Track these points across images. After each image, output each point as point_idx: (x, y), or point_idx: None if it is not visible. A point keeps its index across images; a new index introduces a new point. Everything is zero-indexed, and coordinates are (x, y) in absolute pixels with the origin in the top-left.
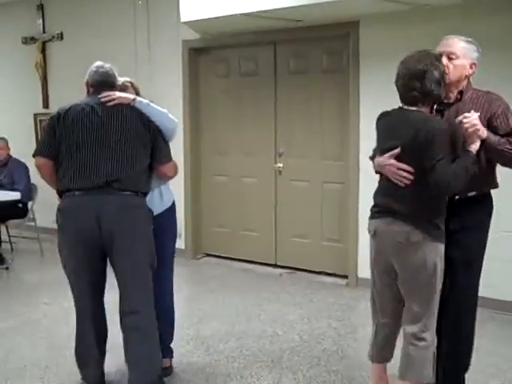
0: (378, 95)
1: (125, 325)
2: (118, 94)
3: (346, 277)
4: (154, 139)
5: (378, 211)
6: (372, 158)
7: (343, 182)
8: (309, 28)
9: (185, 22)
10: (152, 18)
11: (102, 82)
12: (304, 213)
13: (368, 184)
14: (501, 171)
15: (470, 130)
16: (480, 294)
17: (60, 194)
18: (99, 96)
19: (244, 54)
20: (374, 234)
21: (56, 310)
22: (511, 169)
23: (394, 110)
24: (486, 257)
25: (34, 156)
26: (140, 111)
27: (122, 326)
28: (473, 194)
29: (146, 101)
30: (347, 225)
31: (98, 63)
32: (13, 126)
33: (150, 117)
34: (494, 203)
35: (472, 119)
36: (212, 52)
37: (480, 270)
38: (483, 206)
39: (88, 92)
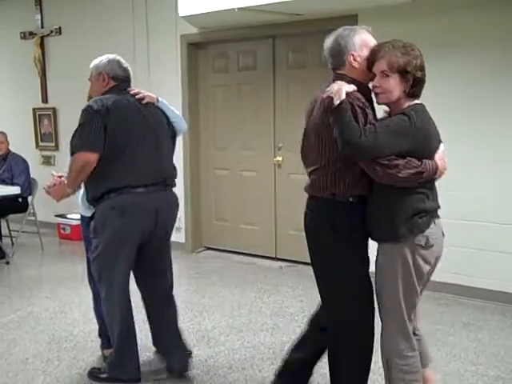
0: None
1: (163, 308)
2: (144, 91)
3: None
4: (173, 139)
5: (432, 216)
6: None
7: None
8: (307, 22)
9: (183, 17)
10: (150, 13)
11: (127, 78)
12: (303, 206)
13: None
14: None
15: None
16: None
17: (107, 191)
18: (131, 92)
19: (242, 49)
20: (435, 243)
21: (57, 303)
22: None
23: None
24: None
25: (81, 151)
26: (163, 111)
27: (160, 310)
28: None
29: (165, 101)
30: None
31: (113, 56)
32: (12, 121)
33: (170, 118)
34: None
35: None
36: (210, 46)
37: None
38: None
39: (106, 84)
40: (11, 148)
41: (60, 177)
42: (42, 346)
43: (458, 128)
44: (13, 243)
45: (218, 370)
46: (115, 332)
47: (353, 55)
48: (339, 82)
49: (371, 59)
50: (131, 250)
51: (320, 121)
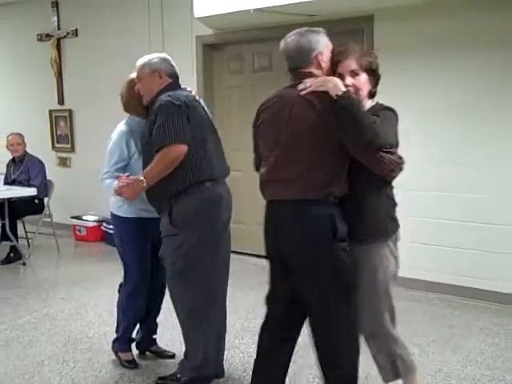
0: (392, 91)
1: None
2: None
3: None
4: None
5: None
6: None
7: None
8: (322, 23)
9: (198, 18)
10: (166, 15)
11: (178, 76)
12: None
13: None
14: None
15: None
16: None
17: (195, 183)
18: (188, 89)
19: (258, 50)
20: None
21: (72, 305)
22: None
23: None
24: None
25: (174, 143)
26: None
27: None
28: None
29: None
30: None
31: (162, 54)
32: (28, 123)
33: None
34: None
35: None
36: (226, 48)
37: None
38: None
39: (163, 81)
40: (28, 150)
41: (128, 176)
42: (58, 348)
43: (479, 126)
44: (29, 244)
45: (233, 373)
46: (209, 333)
47: (321, 54)
48: (312, 79)
49: (336, 60)
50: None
51: (312, 115)
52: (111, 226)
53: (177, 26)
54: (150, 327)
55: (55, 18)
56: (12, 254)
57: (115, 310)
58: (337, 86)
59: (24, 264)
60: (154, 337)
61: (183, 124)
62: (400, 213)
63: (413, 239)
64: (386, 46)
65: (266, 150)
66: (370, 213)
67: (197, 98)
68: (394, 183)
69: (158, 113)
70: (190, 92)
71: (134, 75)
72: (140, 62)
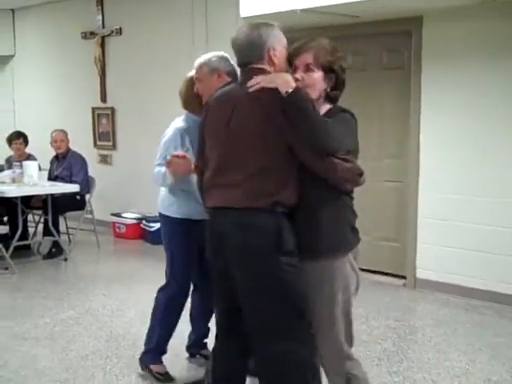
0: (440, 94)
1: None
2: None
3: (403, 277)
4: None
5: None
6: None
7: (402, 181)
8: (368, 24)
9: (244, 18)
10: (210, 14)
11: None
12: (360, 211)
13: (427, 182)
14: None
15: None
16: None
17: None
18: None
19: None
20: None
21: (113, 301)
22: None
23: None
24: None
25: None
26: None
27: None
28: None
29: None
30: (405, 224)
31: (220, 53)
32: (71, 119)
33: None
34: None
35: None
36: None
37: None
38: None
39: (222, 80)
40: (70, 146)
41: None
42: (101, 343)
43: None
44: (70, 240)
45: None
46: None
47: (273, 49)
48: (262, 76)
49: (295, 52)
50: None
51: (257, 114)
52: (151, 225)
53: (221, 26)
54: (202, 331)
55: (100, 17)
56: (54, 250)
57: None
58: (287, 82)
59: (66, 259)
60: (205, 341)
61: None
62: (449, 219)
63: (458, 245)
64: (436, 48)
65: (209, 151)
66: (327, 225)
67: None
68: (445, 188)
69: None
70: None
71: (192, 73)
72: (198, 61)
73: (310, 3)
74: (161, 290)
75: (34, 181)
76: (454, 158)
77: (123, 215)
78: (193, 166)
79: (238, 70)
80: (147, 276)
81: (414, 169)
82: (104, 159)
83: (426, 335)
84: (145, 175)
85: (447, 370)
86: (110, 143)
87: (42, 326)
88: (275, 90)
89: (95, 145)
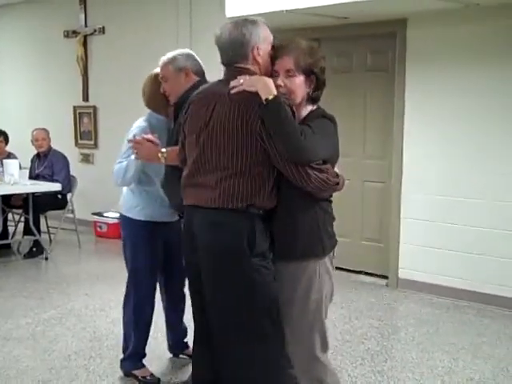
0: (424, 95)
1: None
2: None
3: (385, 277)
4: None
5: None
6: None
7: (384, 181)
8: (353, 26)
9: (230, 18)
10: (195, 15)
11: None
12: (344, 212)
13: (410, 183)
14: None
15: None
16: None
17: None
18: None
19: None
20: None
21: (96, 301)
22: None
23: None
24: None
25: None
26: None
27: None
28: None
29: None
30: (388, 224)
31: (186, 50)
32: (52, 118)
33: None
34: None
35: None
36: None
37: None
38: None
39: (189, 80)
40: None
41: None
42: (84, 343)
43: None
44: (50, 240)
45: None
46: None
47: (258, 48)
48: (246, 76)
49: (274, 55)
50: None
51: (236, 116)
52: None
53: (206, 25)
54: (179, 332)
55: (82, 15)
56: (35, 249)
57: None
58: (268, 87)
59: (46, 259)
60: (185, 340)
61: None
62: (431, 220)
63: (441, 246)
64: (419, 50)
65: (188, 150)
66: (302, 228)
67: None
68: (428, 189)
69: None
70: None
71: (157, 71)
72: (163, 59)
73: (296, 4)
74: (125, 304)
75: (15, 179)
76: (438, 158)
77: (105, 214)
78: (159, 155)
79: (223, 68)
80: None
81: (398, 169)
82: (85, 158)
83: (408, 335)
84: None
85: (430, 369)
86: (92, 142)
87: (23, 326)
88: (255, 95)
89: (76, 144)
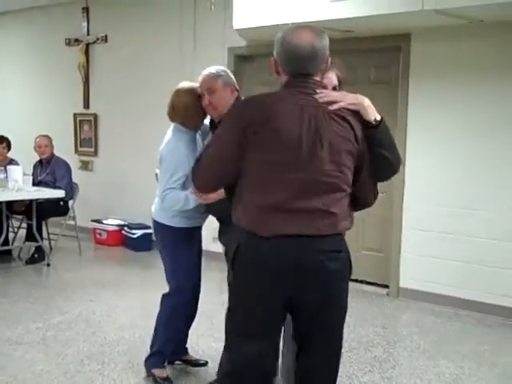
0: (426, 109)
1: None
2: None
3: (386, 286)
4: None
5: None
6: None
7: (386, 192)
8: (358, 39)
9: (238, 30)
10: (198, 24)
11: None
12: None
13: (412, 194)
14: None
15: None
16: None
17: None
18: None
19: None
20: None
21: (103, 307)
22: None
23: None
24: None
25: None
26: None
27: None
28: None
29: None
30: (389, 234)
31: (225, 68)
32: (53, 125)
33: None
34: None
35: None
36: (257, 59)
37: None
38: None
39: (234, 95)
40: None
41: None
42: (96, 348)
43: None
44: (51, 246)
45: None
46: None
47: (327, 61)
48: (330, 91)
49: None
50: None
51: (348, 138)
52: (134, 231)
53: (209, 37)
54: (184, 337)
55: (85, 24)
56: (36, 255)
57: (146, 313)
58: (372, 107)
59: (48, 265)
60: (186, 346)
61: None
62: (432, 230)
63: (441, 256)
64: (423, 65)
65: (273, 169)
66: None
67: None
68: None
69: None
70: None
71: (190, 85)
72: (211, 72)
73: (303, 17)
74: (166, 296)
75: (19, 186)
76: (439, 170)
77: (105, 222)
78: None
79: (290, 78)
80: (134, 283)
81: (400, 180)
82: (85, 165)
83: (414, 342)
84: (126, 182)
85: (438, 376)
86: (92, 149)
87: (34, 330)
88: (357, 114)
89: (76, 151)
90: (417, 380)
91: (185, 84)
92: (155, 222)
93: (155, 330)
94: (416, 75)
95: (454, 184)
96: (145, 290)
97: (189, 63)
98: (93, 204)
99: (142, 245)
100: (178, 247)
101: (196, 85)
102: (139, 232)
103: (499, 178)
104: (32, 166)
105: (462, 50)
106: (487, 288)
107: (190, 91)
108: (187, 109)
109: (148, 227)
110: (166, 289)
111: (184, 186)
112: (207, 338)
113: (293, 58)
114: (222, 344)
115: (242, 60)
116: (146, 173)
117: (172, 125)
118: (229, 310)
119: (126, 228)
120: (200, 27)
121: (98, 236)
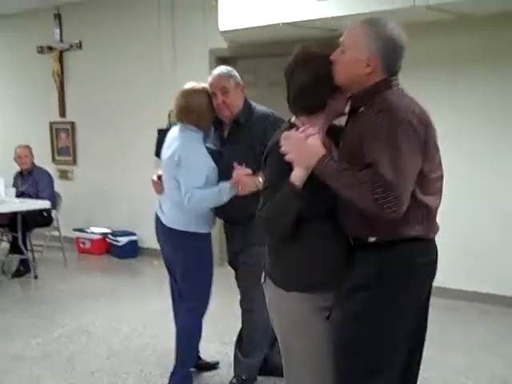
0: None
1: None
2: None
3: None
4: None
5: None
6: None
7: None
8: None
9: (223, 32)
10: (178, 27)
11: None
12: None
13: None
14: None
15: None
16: None
17: None
18: None
19: (273, 64)
20: None
21: (103, 318)
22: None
23: None
24: None
25: None
26: None
27: None
28: (373, 239)
29: None
30: None
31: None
32: (28, 135)
33: None
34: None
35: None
36: (240, 61)
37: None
38: (384, 257)
39: (244, 95)
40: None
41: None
42: (103, 360)
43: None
44: (34, 258)
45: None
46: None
47: None
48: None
49: None
50: None
51: None
52: (119, 239)
53: (190, 40)
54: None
55: (58, 31)
56: (22, 268)
57: (147, 321)
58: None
59: (36, 277)
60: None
61: None
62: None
63: (444, 248)
64: (413, 61)
65: (430, 172)
66: None
67: None
68: None
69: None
70: None
71: (200, 85)
72: (223, 72)
73: (293, 17)
74: (187, 316)
75: (3, 198)
76: (454, 165)
77: (88, 230)
78: (257, 183)
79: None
80: (127, 291)
81: None
82: (64, 174)
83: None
84: (107, 190)
85: (453, 367)
86: (70, 158)
87: (34, 345)
88: None
89: (54, 160)
90: (432, 373)
91: (194, 84)
92: (172, 230)
93: (177, 346)
94: (407, 72)
95: (456, 178)
96: (140, 297)
97: (169, 67)
98: (74, 213)
99: (127, 252)
100: (204, 254)
101: (204, 85)
102: (125, 239)
103: (498, 168)
104: (12, 177)
105: (455, 45)
106: (489, 278)
107: (203, 91)
108: (202, 109)
109: (133, 234)
110: (160, 296)
111: (207, 185)
112: (214, 342)
113: (401, 55)
114: (229, 347)
115: (224, 62)
116: (127, 180)
117: (178, 126)
118: None
119: (110, 236)
120: (179, 30)
121: (81, 245)
